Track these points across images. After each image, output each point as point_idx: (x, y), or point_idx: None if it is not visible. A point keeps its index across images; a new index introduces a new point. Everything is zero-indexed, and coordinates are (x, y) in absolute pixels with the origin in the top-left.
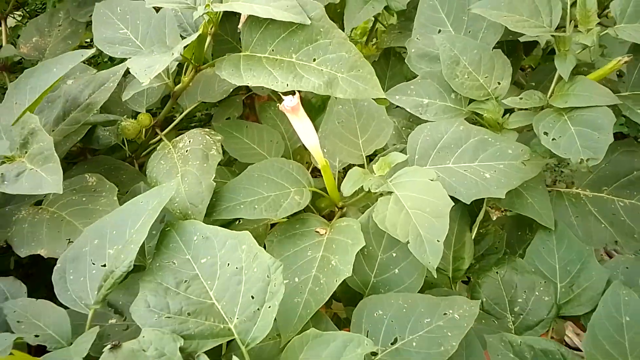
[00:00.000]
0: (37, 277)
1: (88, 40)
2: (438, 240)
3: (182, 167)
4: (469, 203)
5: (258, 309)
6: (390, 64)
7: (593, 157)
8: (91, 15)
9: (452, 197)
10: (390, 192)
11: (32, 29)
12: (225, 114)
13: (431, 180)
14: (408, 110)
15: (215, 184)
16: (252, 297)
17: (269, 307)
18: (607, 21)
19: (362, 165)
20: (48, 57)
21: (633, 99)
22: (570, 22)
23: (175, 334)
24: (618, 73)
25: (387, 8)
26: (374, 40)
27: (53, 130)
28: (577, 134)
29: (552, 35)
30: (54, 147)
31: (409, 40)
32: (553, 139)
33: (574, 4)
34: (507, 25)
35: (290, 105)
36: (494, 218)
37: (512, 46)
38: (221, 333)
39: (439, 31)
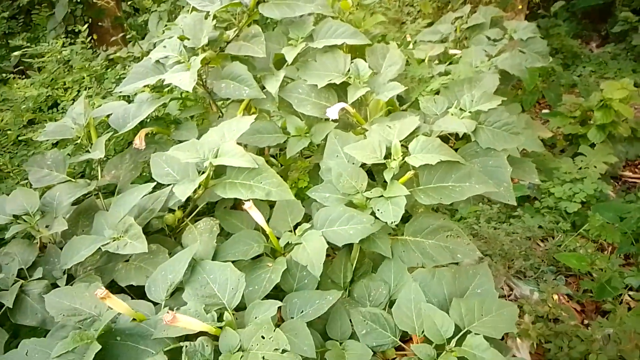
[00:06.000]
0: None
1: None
2: (318, 266)
3: (199, 238)
4: (340, 245)
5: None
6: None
7: (395, 220)
8: (145, 159)
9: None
10: (300, 243)
11: (111, 165)
12: (222, 205)
13: (320, 236)
14: (317, 200)
15: (216, 244)
16: (232, 289)
17: None
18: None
19: (290, 231)
20: (122, 181)
21: (423, 191)
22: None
23: None
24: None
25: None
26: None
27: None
28: (392, 210)
29: (381, 163)
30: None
31: (321, 161)
32: (380, 212)
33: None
34: (359, 158)
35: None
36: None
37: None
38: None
39: (337, 156)
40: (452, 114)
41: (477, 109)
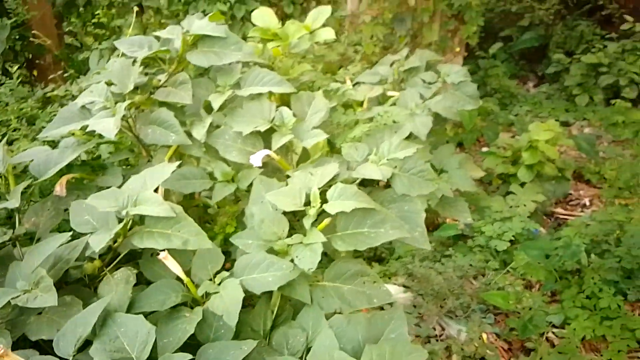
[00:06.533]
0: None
1: None
2: (234, 315)
3: (115, 288)
4: (259, 293)
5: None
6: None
7: (312, 267)
8: (67, 206)
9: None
10: (218, 292)
11: (31, 212)
12: (149, 252)
13: (238, 284)
14: (240, 246)
15: (130, 296)
16: (142, 342)
17: None
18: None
19: (210, 279)
20: (42, 229)
21: (340, 237)
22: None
23: None
24: None
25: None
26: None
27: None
28: (309, 256)
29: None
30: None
31: (246, 207)
32: (298, 259)
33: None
34: (280, 205)
35: None
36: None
37: None
38: None
39: (262, 202)
40: (371, 162)
41: (393, 156)
